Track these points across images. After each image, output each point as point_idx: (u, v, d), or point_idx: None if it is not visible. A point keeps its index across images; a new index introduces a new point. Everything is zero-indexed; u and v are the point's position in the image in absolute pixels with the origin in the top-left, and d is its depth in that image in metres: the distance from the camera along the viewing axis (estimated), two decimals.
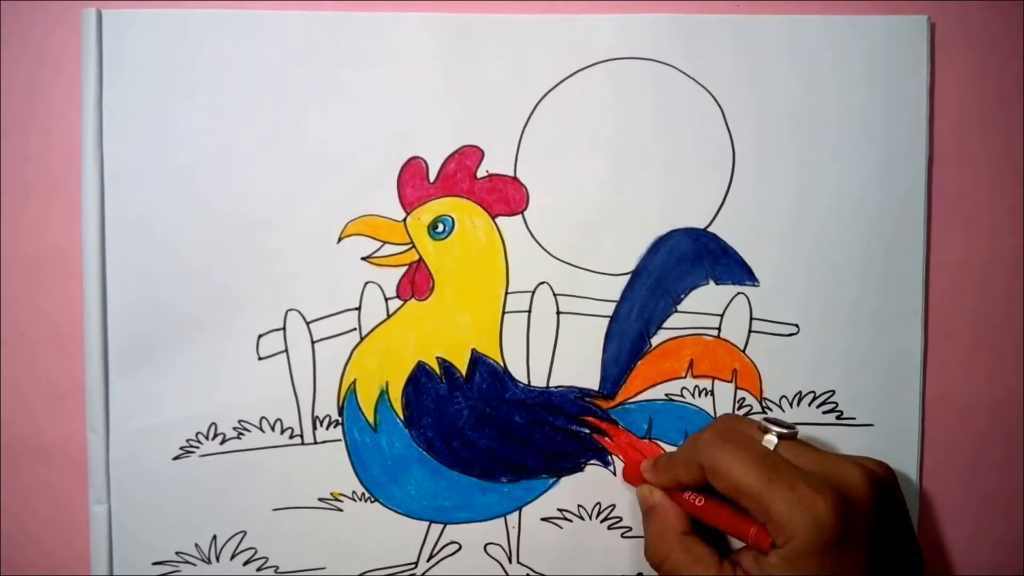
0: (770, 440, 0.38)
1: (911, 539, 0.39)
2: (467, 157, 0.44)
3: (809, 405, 0.46)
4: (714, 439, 0.38)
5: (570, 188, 0.44)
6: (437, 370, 0.45)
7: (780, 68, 0.45)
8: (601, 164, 0.44)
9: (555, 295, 0.45)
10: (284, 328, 0.44)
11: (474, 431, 0.45)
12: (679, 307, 0.45)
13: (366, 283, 0.44)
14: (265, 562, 0.45)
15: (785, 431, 0.38)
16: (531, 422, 0.45)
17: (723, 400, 0.46)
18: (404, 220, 0.44)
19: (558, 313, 0.45)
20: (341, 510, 0.45)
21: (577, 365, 0.45)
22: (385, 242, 0.44)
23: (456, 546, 0.45)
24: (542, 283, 0.45)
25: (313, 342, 0.44)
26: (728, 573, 0.37)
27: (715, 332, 0.45)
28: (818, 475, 0.36)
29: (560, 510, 0.45)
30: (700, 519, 0.40)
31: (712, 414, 0.45)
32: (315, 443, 0.44)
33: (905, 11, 0.45)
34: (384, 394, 0.45)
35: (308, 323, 0.44)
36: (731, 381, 0.46)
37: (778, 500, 0.35)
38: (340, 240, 0.44)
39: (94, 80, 0.42)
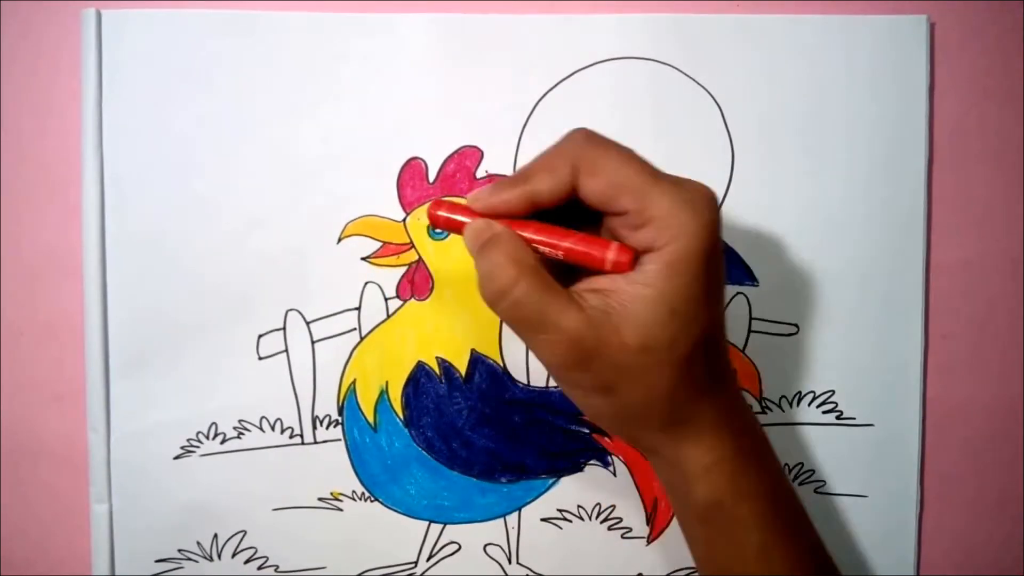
0: None
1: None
2: (466, 157, 0.44)
3: (809, 405, 0.46)
4: (591, 138, 0.33)
5: None
6: (437, 370, 0.45)
7: (780, 68, 0.44)
8: None
9: None
10: (284, 328, 0.44)
11: (473, 431, 0.45)
12: None
13: (366, 283, 0.44)
14: (265, 561, 0.45)
15: None
16: (530, 422, 0.45)
17: None
18: (404, 220, 0.44)
19: None
20: (341, 510, 0.45)
21: None
22: (385, 242, 0.44)
23: (456, 546, 0.45)
24: None
25: (313, 342, 0.44)
26: (590, 303, 0.32)
27: None
28: (688, 180, 0.33)
29: (560, 510, 0.45)
30: (544, 252, 0.33)
31: None
32: (315, 443, 0.44)
33: (905, 11, 0.45)
34: (384, 394, 0.45)
35: (308, 323, 0.44)
36: None
37: (664, 195, 0.31)
38: (340, 240, 0.44)
39: (94, 81, 0.42)
